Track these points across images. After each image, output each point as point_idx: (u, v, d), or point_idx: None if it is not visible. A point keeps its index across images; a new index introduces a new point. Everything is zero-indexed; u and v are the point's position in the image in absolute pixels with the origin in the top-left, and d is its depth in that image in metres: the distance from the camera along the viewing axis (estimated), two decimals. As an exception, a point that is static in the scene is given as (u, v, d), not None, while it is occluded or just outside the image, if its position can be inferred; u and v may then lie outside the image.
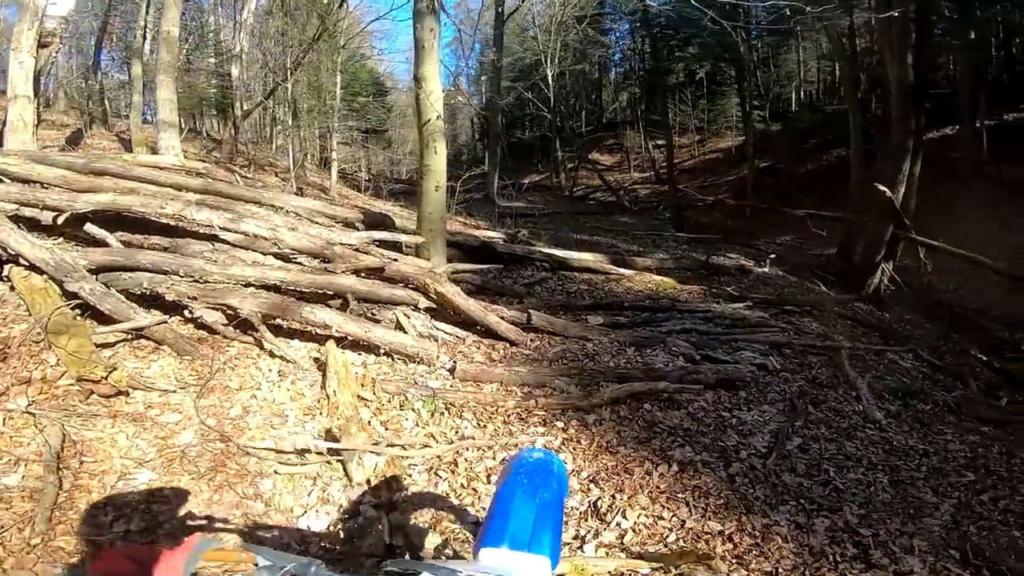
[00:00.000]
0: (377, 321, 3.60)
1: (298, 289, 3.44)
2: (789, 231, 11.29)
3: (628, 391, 3.16)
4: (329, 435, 2.69)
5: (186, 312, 3.20)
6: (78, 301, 2.94)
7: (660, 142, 17.72)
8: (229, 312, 3.22)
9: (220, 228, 3.66)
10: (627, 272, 6.19)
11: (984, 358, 5.42)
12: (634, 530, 2.30)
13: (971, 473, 2.96)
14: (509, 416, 2.98)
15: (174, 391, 2.75)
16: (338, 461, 2.54)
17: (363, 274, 3.71)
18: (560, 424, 2.94)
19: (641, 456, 2.70)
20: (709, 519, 2.35)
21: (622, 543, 2.24)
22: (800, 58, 20.44)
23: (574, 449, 2.75)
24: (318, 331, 3.32)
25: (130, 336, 2.98)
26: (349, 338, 3.28)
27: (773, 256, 8.01)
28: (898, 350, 4.51)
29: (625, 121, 25.11)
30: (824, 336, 4.49)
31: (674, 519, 2.36)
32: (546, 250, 6.44)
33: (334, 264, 3.69)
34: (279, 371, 3.06)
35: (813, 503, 2.50)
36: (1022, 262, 8.25)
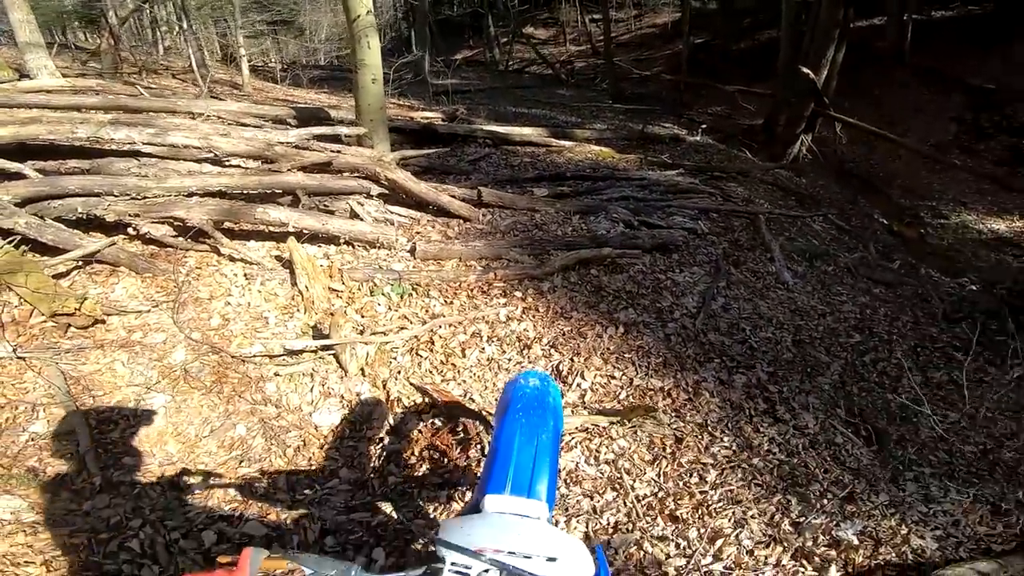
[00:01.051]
0: (331, 212, 3.57)
1: (245, 192, 3.33)
2: (720, 104, 11.45)
3: (576, 258, 3.40)
4: (315, 331, 2.80)
5: (130, 230, 3.02)
6: (16, 238, 2.71)
7: (596, 16, 16.58)
8: (177, 224, 3.08)
9: (144, 144, 3.39)
10: (567, 144, 6.27)
11: (885, 222, 6.12)
12: (592, 389, 2.63)
13: (858, 335, 3.39)
14: (472, 290, 3.17)
15: (148, 310, 2.70)
16: (330, 355, 2.68)
17: (310, 170, 3.61)
18: (519, 294, 3.16)
19: (592, 319, 3.00)
20: (651, 376, 2.71)
21: (583, 402, 2.58)
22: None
23: (533, 317, 3.01)
24: (273, 230, 3.27)
25: (80, 264, 2.82)
26: (306, 232, 3.26)
27: (704, 126, 8.23)
28: (811, 214, 4.99)
29: (561, -5, 22.96)
30: (747, 200, 4.87)
31: (624, 377, 2.70)
32: (487, 127, 6.38)
33: (278, 164, 3.56)
34: (245, 274, 3.03)
35: (733, 360, 2.88)
36: (925, 140, 9.01)
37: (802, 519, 2.21)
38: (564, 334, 2.89)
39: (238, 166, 3.63)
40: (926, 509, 2.41)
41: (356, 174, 3.72)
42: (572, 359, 2.75)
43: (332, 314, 2.86)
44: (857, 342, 3.34)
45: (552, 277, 3.30)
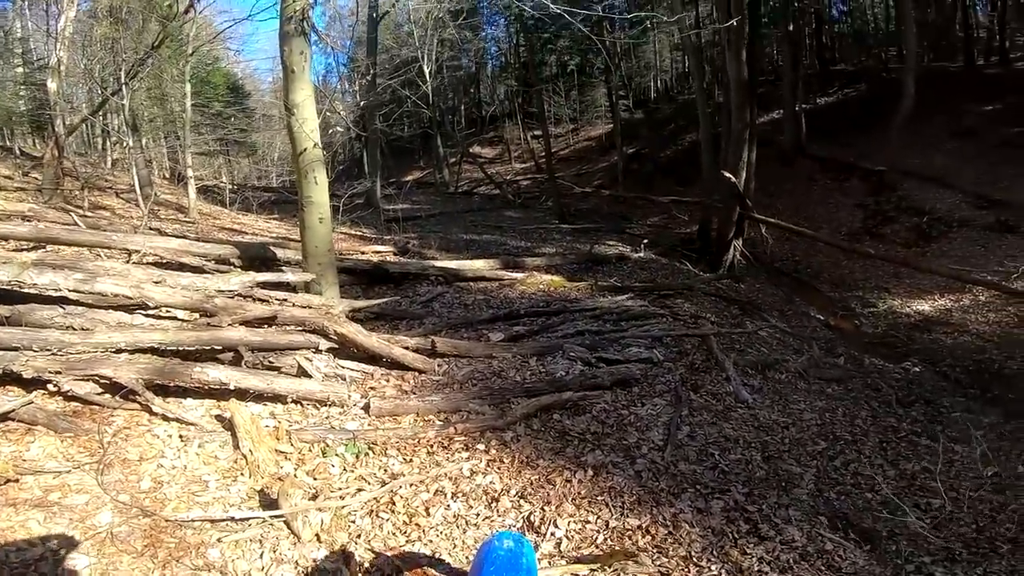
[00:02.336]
0: (277, 369, 3.46)
1: (180, 348, 3.18)
2: (657, 213, 12.49)
3: (537, 405, 3.39)
4: (262, 495, 2.62)
5: (50, 386, 2.85)
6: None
7: (537, 133, 18.46)
8: (104, 381, 2.92)
9: (70, 290, 3.21)
10: (519, 276, 6.49)
11: (821, 318, 6.49)
12: (567, 537, 2.51)
13: (823, 441, 3.46)
14: (432, 446, 3.07)
15: (68, 471, 2.50)
16: (280, 521, 2.48)
17: (253, 324, 3.53)
18: (481, 447, 3.08)
19: (559, 465, 2.93)
20: (627, 516, 2.62)
21: (559, 551, 2.45)
22: (656, 48, 22.26)
23: (499, 469, 2.91)
24: (213, 388, 3.12)
25: None
26: (251, 392, 3.13)
27: (646, 241, 8.83)
28: (755, 323, 5.26)
29: (504, 114, 25.72)
30: (696, 317, 5.10)
31: (599, 520, 2.60)
32: (439, 263, 6.57)
33: (218, 317, 3.46)
34: (180, 435, 2.87)
35: (707, 487, 2.85)
36: (838, 231, 9.96)
37: None
38: (532, 483, 2.80)
39: (174, 317, 3.50)
40: None
41: (303, 328, 3.62)
42: (543, 508, 2.64)
43: (281, 479, 2.67)
44: (824, 448, 3.39)
45: (515, 426, 3.25)
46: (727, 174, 7.47)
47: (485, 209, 13.74)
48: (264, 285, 4.21)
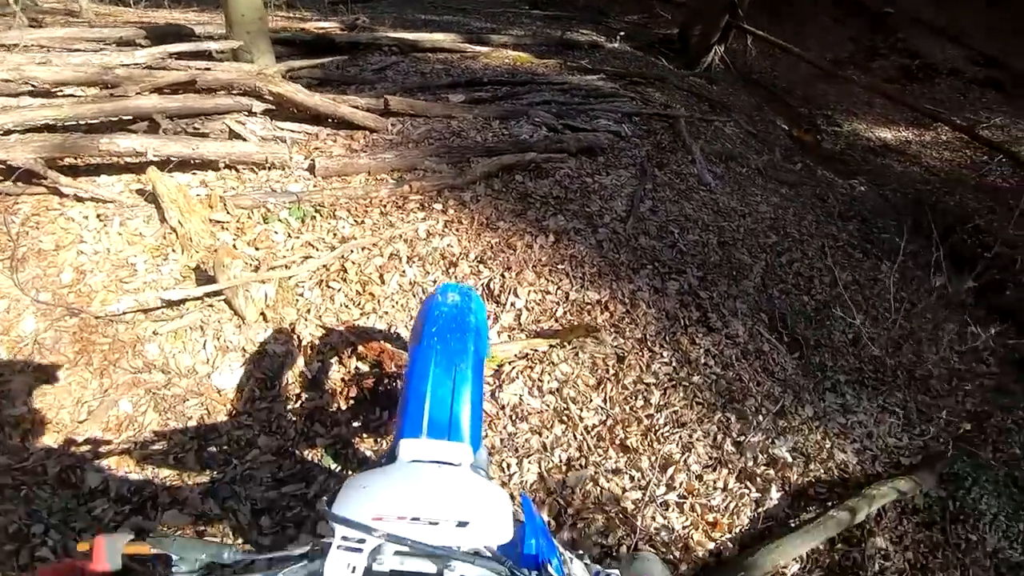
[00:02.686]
0: (205, 135, 3.00)
1: (82, 122, 2.66)
2: (637, 12, 11.16)
3: (498, 164, 3.16)
4: (199, 273, 2.34)
5: None
6: None
7: None
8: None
9: None
10: (483, 50, 5.80)
11: (787, 128, 6.36)
12: (527, 308, 2.48)
13: (774, 235, 3.50)
14: (385, 206, 2.83)
15: None
16: (221, 301, 2.26)
17: (167, 91, 2.99)
18: (438, 206, 2.89)
19: (520, 229, 2.82)
20: (587, 288, 2.61)
21: (519, 322, 2.43)
22: None
23: (457, 230, 2.77)
24: (130, 160, 2.66)
25: None
26: (173, 160, 2.70)
27: (623, 34, 7.96)
28: (724, 119, 5.04)
29: None
30: (666, 105, 4.80)
31: (559, 291, 2.57)
32: (393, 34, 5.70)
33: (122, 88, 2.90)
34: (98, 215, 2.46)
35: (665, 266, 2.86)
36: (824, 56, 9.38)
37: (742, 438, 2.29)
38: (492, 247, 2.70)
39: (71, 95, 2.92)
40: (844, 420, 2.57)
41: (232, 91, 3.13)
42: (503, 274, 2.58)
43: (216, 250, 2.41)
44: (774, 243, 3.47)
45: (474, 186, 3.05)
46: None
47: (447, -10, 11.73)
48: (181, 56, 3.54)
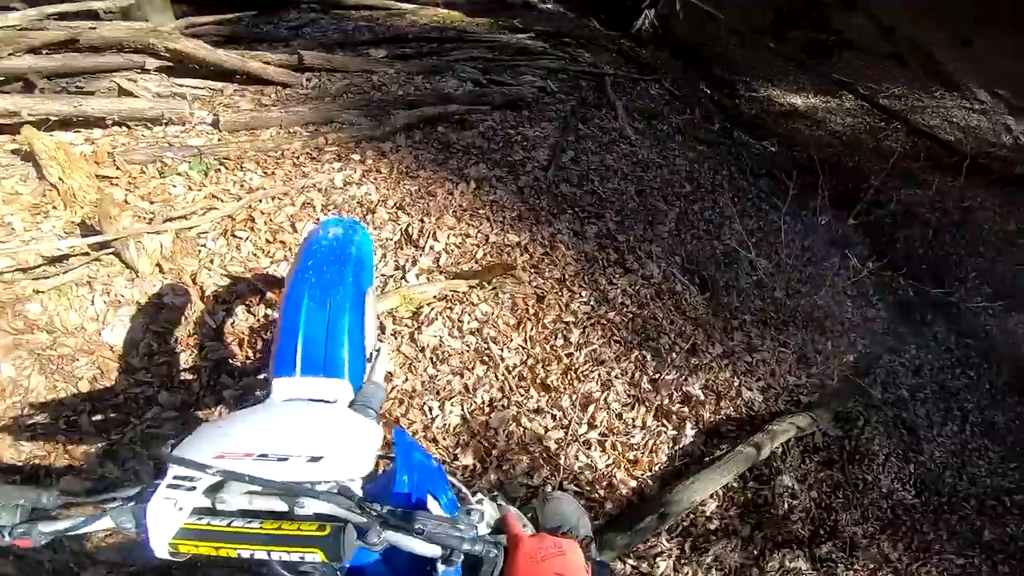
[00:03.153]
0: (90, 93, 2.78)
1: None
2: (569, -27, 11.12)
3: (420, 116, 3.12)
4: (84, 227, 2.16)
5: None
6: None
7: None
8: None
9: None
10: (411, 7, 5.60)
11: (708, 92, 6.62)
12: (447, 251, 2.48)
13: (688, 185, 3.68)
14: (299, 158, 2.73)
15: None
16: (109, 255, 2.10)
17: (45, 52, 2.76)
18: (356, 156, 2.82)
19: (441, 177, 2.81)
20: (507, 232, 2.64)
21: (438, 265, 2.42)
22: None
23: (375, 179, 2.71)
24: (4, 121, 2.42)
25: None
26: (52, 118, 2.48)
27: (555, -5, 7.94)
28: (648, 79, 5.17)
29: None
30: (593, 64, 4.87)
31: (479, 235, 2.58)
32: (312, -10, 5.37)
33: None
34: None
35: (584, 211, 2.93)
36: (745, 24, 9.75)
37: (657, 376, 2.40)
38: (412, 194, 2.67)
39: None
40: (750, 359, 2.74)
41: (121, 49, 2.92)
42: (423, 220, 2.57)
43: (96, 204, 2.24)
44: (688, 192, 3.63)
45: (394, 137, 2.99)
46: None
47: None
48: (63, 16, 3.19)
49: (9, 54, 2.65)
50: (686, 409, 2.40)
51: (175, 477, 0.63)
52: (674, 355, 2.53)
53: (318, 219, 2.48)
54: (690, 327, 2.70)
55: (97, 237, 2.07)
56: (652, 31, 7.74)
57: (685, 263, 3.03)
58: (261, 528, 0.60)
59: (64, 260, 2.07)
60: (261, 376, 2.00)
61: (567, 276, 2.59)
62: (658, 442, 2.25)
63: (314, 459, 0.69)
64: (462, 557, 0.64)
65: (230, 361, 2.01)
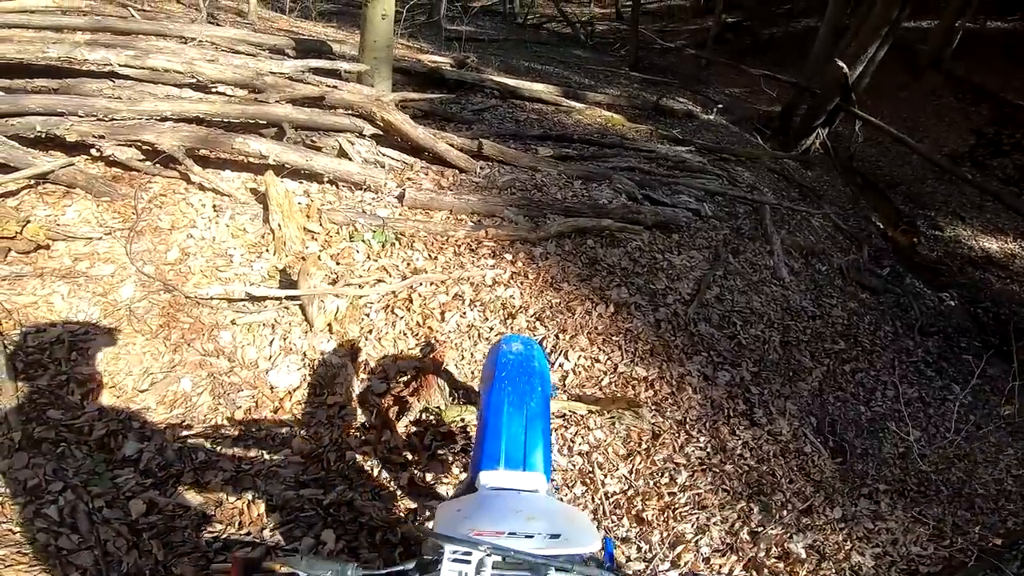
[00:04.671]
0: (318, 149, 3.31)
1: (225, 120, 3.06)
2: (739, 87, 11.12)
3: (574, 226, 3.26)
4: (284, 275, 2.57)
5: (93, 151, 2.74)
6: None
7: None
8: (146, 148, 2.82)
9: (121, 66, 3.09)
10: (578, 105, 6.02)
11: (881, 226, 6.08)
12: (574, 372, 2.53)
13: (843, 342, 3.38)
14: (459, 247, 2.99)
15: (100, 238, 2.43)
16: (296, 305, 2.46)
17: (300, 103, 3.34)
18: (508, 256, 3.01)
19: (583, 294, 2.89)
20: (637, 364, 2.62)
21: (563, 385, 2.47)
22: None
23: (521, 283, 2.87)
24: (252, 161, 3.01)
25: (32, 183, 2.55)
26: (288, 167, 3.01)
27: (721, 106, 7.97)
28: (812, 210, 4.91)
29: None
30: (753, 187, 4.76)
31: (608, 362, 2.60)
32: (496, 78, 6.09)
33: (266, 94, 3.27)
34: (214, 206, 2.76)
35: (720, 356, 2.82)
36: (940, 149, 8.91)
37: (760, 528, 2.22)
38: (552, 307, 2.78)
39: (223, 93, 3.34)
40: (872, 526, 2.44)
41: (350, 111, 3.46)
42: (557, 336, 2.65)
43: (304, 258, 2.63)
44: (841, 349, 3.33)
45: (546, 243, 3.16)
46: (841, 63, 6.41)
47: (553, 44, 12.31)
48: (317, 72, 3.96)
49: (276, 100, 3.25)
50: (781, 565, 2.15)
51: (452, 551, 0.76)
52: (785, 512, 2.30)
53: (464, 313, 2.65)
54: (811, 488, 2.45)
55: (293, 291, 2.43)
56: (822, 152, 7.39)
57: (821, 425, 2.76)
58: None
59: (262, 301, 2.44)
60: (387, 446, 2.14)
61: (688, 419, 2.50)
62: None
63: (554, 536, 0.82)
64: None
65: (360, 427, 2.18)
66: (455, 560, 0.75)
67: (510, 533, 0.83)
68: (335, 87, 3.56)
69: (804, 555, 2.22)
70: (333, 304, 2.49)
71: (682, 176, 4.43)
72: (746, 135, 7.03)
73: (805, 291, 3.59)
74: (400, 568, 0.78)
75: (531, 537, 0.82)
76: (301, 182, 3.11)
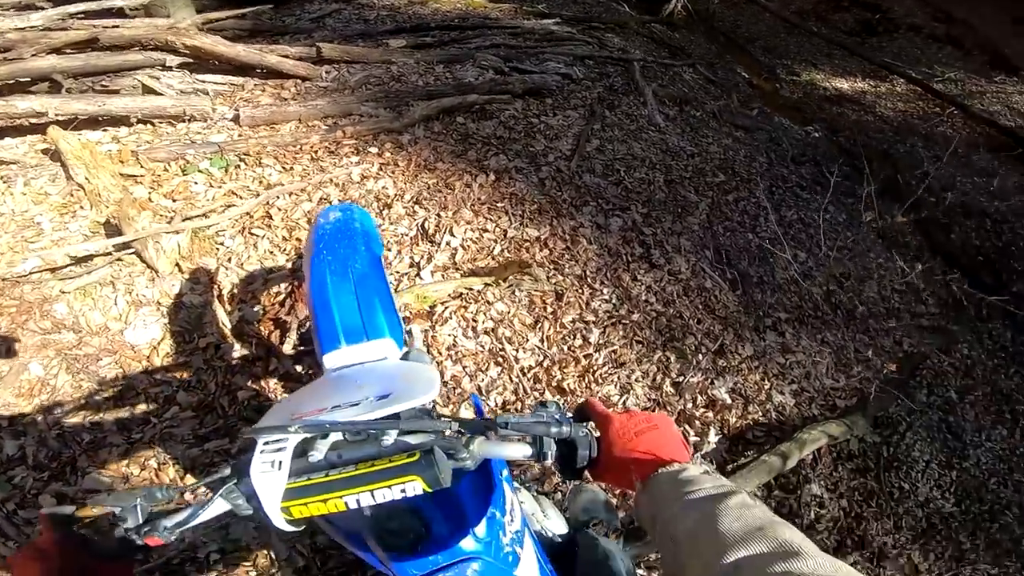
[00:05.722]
0: (115, 91, 2.81)
1: None
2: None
3: (439, 107, 3.03)
4: (109, 227, 2.19)
5: None
6: None
7: None
8: None
9: None
10: (434, -7, 5.52)
11: (745, 75, 6.30)
12: (463, 247, 2.39)
13: (723, 175, 3.46)
14: (317, 152, 2.70)
15: None
16: (131, 255, 2.12)
17: (68, 51, 2.78)
18: (374, 150, 2.76)
19: (460, 169, 2.71)
20: (527, 226, 2.53)
21: (454, 262, 2.34)
22: None
23: (392, 173, 2.64)
24: (33, 121, 2.48)
25: None
26: (81, 117, 2.53)
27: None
28: (681, 64, 4.93)
29: None
30: (623, 50, 4.67)
31: (497, 229, 2.49)
32: (334, -24, 5.34)
33: (16, 51, 2.68)
34: (1, 178, 2.30)
35: (608, 203, 2.79)
36: (788, 6, 9.26)
37: (681, 378, 2.26)
38: (429, 187, 2.59)
39: None
40: (783, 360, 2.56)
41: (141, 47, 2.94)
42: (439, 214, 2.48)
43: (120, 203, 2.26)
44: (722, 181, 3.42)
45: (413, 129, 2.91)
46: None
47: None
48: (85, 15, 3.29)
49: (32, 55, 2.69)
50: (711, 414, 2.25)
51: (264, 443, 0.64)
52: (700, 357, 2.38)
53: (379, 225, 2.44)
54: (719, 326, 2.54)
55: (118, 239, 2.08)
56: (685, 15, 7.43)
57: (716, 258, 2.85)
58: (357, 470, 0.61)
59: (89, 260, 2.09)
60: (277, 374, 1.95)
61: (588, 273, 2.46)
62: (680, 449, 2.12)
63: (382, 397, 0.72)
64: (554, 448, 0.65)
65: (245, 360, 1.97)
66: (265, 451, 0.63)
67: (334, 407, 0.71)
68: (114, 26, 2.99)
69: (729, 400, 2.29)
70: (172, 242, 2.18)
71: (550, 47, 4.23)
72: (613, 3, 6.87)
73: (682, 133, 3.63)
74: (217, 476, 0.67)
75: (356, 404, 0.71)
76: (106, 129, 2.65)
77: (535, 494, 1.24)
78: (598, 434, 0.70)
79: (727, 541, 0.52)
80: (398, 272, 2.24)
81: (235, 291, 2.13)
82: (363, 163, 2.69)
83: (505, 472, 0.94)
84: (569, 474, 0.69)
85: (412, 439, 0.66)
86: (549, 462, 0.66)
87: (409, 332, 1.21)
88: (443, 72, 3.49)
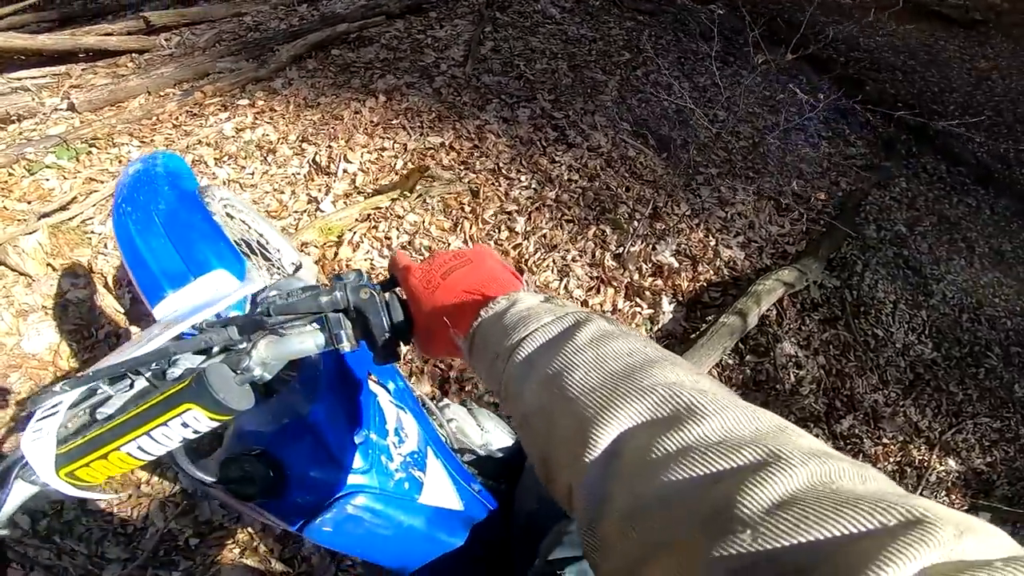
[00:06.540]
0: None
1: None
2: None
3: (307, 44, 2.72)
4: None
5: None
6: None
7: None
8: None
9: None
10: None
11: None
12: (363, 170, 2.17)
13: (628, 53, 3.31)
14: (177, 118, 2.38)
15: None
16: None
17: None
18: (244, 101, 2.45)
19: (345, 98, 2.44)
20: (428, 135, 2.31)
21: (355, 187, 2.11)
22: None
23: (271, 119, 2.36)
24: None
25: None
26: None
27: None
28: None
29: None
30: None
31: (396, 146, 2.26)
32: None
33: None
34: None
35: (512, 96, 2.60)
36: None
37: (621, 249, 2.09)
38: (315, 123, 2.31)
39: None
40: (723, 213, 2.44)
41: None
42: (330, 145, 2.23)
43: None
44: (628, 59, 3.26)
45: (284, 72, 2.59)
46: None
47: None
48: None
49: None
50: (659, 282, 2.10)
51: (40, 411, 0.54)
52: (636, 223, 2.21)
53: (213, 174, 2.14)
54: (649, 190, 2.39)
55: None
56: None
57: (636, 128, 2.69)
58: (127, 413, 0.50)
59: None
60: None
61: (501, 165, 2.28)
62: (634, 324, 1.95)
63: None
64: (349, 327, 0.52)
65: None
66: (39, 419, 0.52)
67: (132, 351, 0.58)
68: None
69: (676, 263, 2.15)
70: (31, 242, 1.89)
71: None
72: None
73: (581, 22, 3.41)
74: (11, 459, 0.54)
75: (155, 336, 0.58)
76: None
77: (470, 407, 1.06)
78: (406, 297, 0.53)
79: (587, 413, 0.33)
80: (296, 212, 1.99)
81: (118, 274, 1.91)
82: (234, 117, 2.39)
83: (392, 385, 0.84)
84: (381, 355, 0.53)
85: (195, 361, 0.55)
86: (346, 345, 0.51)
87: (299, 265, 1.11)
88: (307, 11, 3.12)
